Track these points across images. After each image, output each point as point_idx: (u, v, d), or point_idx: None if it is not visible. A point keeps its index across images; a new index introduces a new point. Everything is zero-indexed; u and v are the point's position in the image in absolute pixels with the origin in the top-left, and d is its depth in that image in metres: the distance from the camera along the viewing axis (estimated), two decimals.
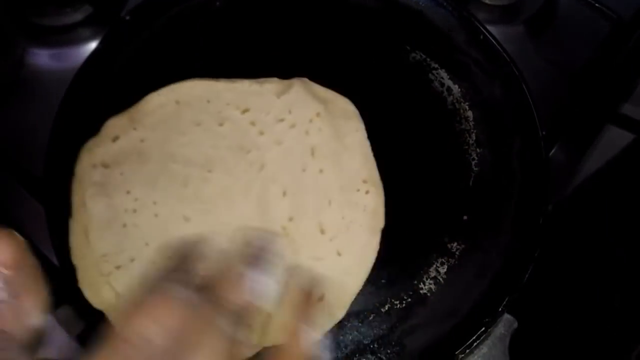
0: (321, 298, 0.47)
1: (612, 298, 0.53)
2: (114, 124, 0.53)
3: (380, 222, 0.52)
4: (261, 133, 0.53)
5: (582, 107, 0.67)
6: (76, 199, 0.51)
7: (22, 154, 0.59)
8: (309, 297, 0.41)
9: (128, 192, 0.51)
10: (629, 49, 0.70)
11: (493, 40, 0.59)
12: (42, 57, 0.65)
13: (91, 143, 0.52)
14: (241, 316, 0.35)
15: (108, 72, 0.57)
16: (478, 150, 0.56)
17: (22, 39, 0.65)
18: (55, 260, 0.50)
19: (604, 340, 0.50)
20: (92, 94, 0.56)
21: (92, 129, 0.53)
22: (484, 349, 0.50)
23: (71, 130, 0.54)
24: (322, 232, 0.51)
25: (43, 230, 0.51)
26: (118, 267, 0.48)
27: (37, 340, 0.34)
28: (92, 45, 0.62)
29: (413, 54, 0.60)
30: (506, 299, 0.49)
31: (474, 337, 0.48)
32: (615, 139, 0.79)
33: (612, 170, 0.73)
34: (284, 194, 0.51)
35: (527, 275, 0.50)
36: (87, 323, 0.51)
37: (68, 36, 0.65)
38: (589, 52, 0.69)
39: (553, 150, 0.64)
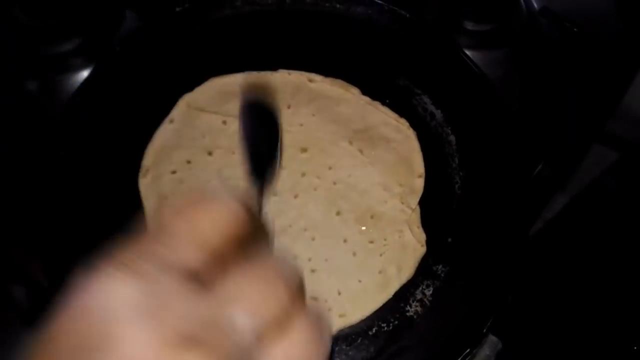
0: None
1: (596, 318, 0.54)
2: None
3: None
4: None
5: (567, 130, 0.69)
6: None
7: (13, 182, 0.59)
8: None
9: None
10: (611, 72, 0.72)
11: (474, 66, 0.60)
12: (33, 86, 0.66)
13: None
14: None
15: (99, 101, 0.58)
16: (461, 173, 0.58)
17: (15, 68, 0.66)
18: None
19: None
20: (83, 123, 0.57)
21: (84, 157, 0.54)
22: None
23: (63, 158, 0.55)
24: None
25: (33, 251, 0.52)
26: None
27: None
28: (84, 74, 0.64)
29: (396, 80, 0.62)
30: (490, 320, 0.50)
31: (460, 359, 0.49)
32: (600, 155, 0.81)
33: (598, 188, 0.74)
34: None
35: (511, 296, 0.51)
36: None
37: (59, 65, 0.66)
38: (570, 75, 0.71)
39: (539, 168, 0.65)
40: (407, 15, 0.64)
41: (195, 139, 0.58)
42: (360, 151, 0.57)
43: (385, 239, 0.54)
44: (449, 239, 0.55)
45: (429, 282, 0.53)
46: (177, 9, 0.64)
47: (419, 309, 0.52)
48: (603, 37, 0.72)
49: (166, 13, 0.64)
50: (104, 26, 0.70)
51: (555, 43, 0.73)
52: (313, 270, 0.53)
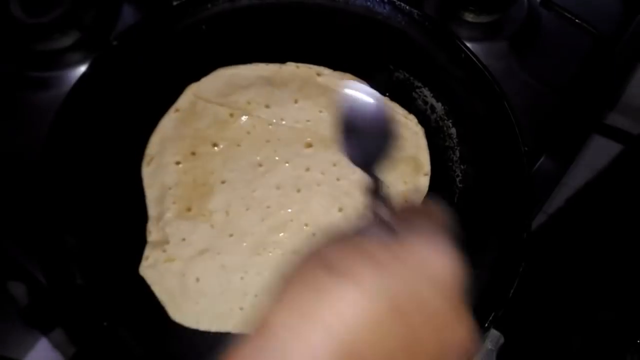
0: None
1: (598, 312, 0.54)
2: None
3: None
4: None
5: (567, 120, 0.68)
6: None
7: (11, 178, 0.59)
8: None
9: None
10: (611, 62, 0.72)
11: (474, 59, 0.59)
12: (31, 81, 0.65)
13: None
14: None
15: (97, 97, 0.58)
16: (462, 166, 0.57)
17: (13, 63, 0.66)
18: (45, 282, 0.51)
19: (589, 354, 0.51)
20: (81, 119, 0.56)
21: (82, 153, 0.54)
22: None
23: (61, 154, 0.54)
24: None
25: (34, 254, 0.52)
26: None
27: None
28: (81, 69, 0.63)
29: (397, 73, 0.61)
30: (492, 315, 0.50)
31: None
32: (603, 149, 0.81)
33: (601, 181, 0.74)
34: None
35: (512, 291, 0.51)
36: (79, 346, 0.52)
37: (57, 60, 0.66)
38: (572, 66, 0.70)
39: (540, 161, 0.64)
40: (407, 7, 0.63)
41: (200, 130, 0.58)
42: None
43: None
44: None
45: None
46: (175, 3, 0.63)
47: None
48: (604, 28, 0.72)
49: (163, 7, 0.63)
50: (102, 21, 0.69)
51: (556, 35, 0.73)
52: None
